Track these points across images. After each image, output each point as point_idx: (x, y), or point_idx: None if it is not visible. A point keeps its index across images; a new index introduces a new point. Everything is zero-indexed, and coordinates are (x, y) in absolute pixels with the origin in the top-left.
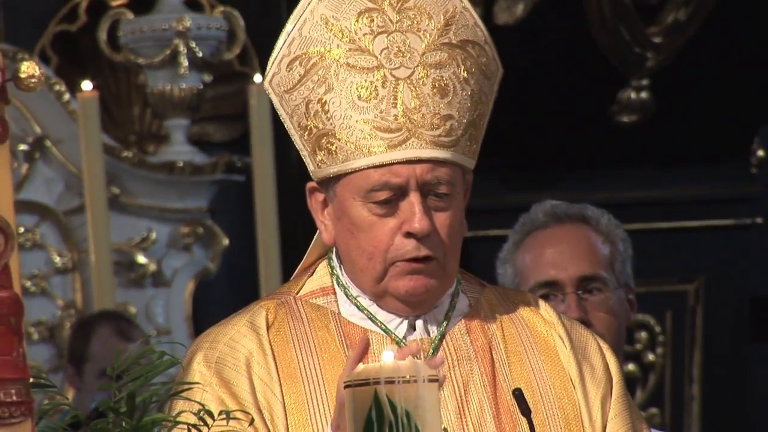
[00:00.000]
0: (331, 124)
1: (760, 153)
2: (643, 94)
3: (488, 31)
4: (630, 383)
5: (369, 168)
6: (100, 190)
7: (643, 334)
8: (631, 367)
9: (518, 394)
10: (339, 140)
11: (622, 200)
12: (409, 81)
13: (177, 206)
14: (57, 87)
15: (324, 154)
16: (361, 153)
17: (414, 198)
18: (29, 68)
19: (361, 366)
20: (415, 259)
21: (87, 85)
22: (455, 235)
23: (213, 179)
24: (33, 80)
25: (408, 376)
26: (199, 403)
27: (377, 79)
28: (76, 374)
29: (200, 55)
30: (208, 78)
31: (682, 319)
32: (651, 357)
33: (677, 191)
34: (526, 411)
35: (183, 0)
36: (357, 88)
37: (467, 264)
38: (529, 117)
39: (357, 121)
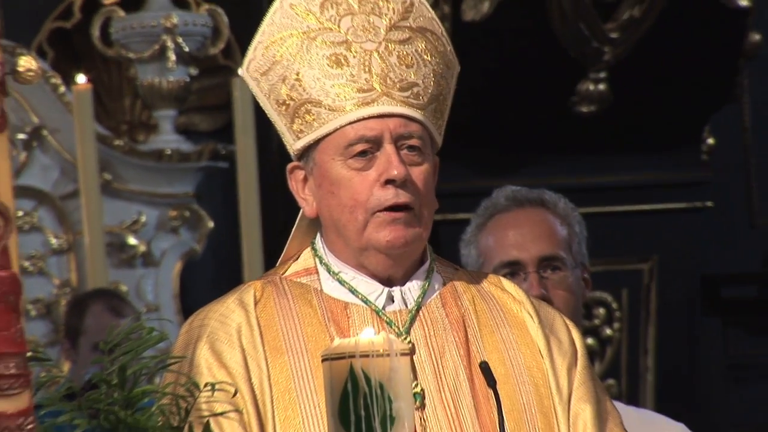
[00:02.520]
0: (307, 93)
1: (711, 141)
2: (601, 86)
3: (456, 27)
4: (589, 356)
5: (345, 126)
6: (93, 177)
7: (601, 310)
8: (590, 341)
9: (485, 367)
10: (315, 106)
11: (580, 185)
12: (377, 52)
13: (165, 191)
14: (53, 80)
15: (301, 123)
16: (336, 114)
17: (389, 149)
18: (27, 62)
19: (338, 341)
20: (394, 208)
21: (81, 78)
22: (429, 188)
23: (199, 166)
24: (30, 73)
25: (382, 351)
26: (186, 375)
27: (347, 51)
28: (72, 348)
29: (187, 50)
30: (194, 71)
31: (638, 296)
32: (608, 331)
33: (632, 177)
34: (491, 382)
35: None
36: (329, 59)
37: (436, 245)
38: (494, 107)
39: (332, 86)
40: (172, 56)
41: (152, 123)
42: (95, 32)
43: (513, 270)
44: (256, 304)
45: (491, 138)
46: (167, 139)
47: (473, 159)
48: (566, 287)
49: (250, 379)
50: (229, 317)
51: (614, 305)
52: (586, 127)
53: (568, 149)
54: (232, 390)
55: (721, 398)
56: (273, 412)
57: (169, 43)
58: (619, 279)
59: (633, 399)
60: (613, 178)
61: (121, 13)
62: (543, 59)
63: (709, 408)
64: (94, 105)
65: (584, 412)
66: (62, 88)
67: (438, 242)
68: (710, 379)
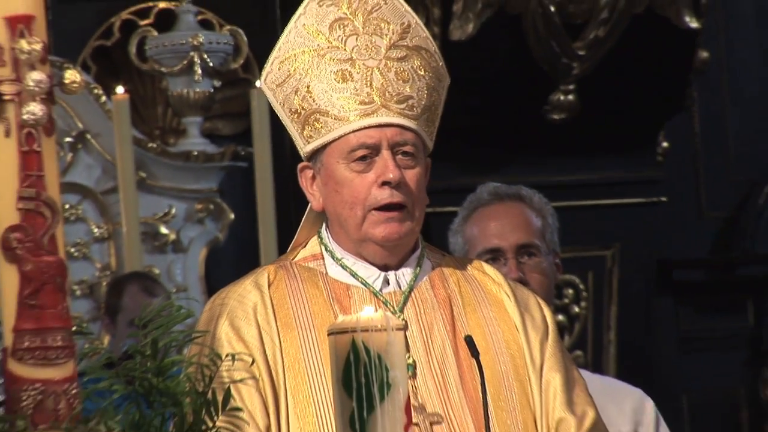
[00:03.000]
0: (316, 104)
1: (665, 144)
2: (570, 97)
3: (445, 45)
4: (559, 330)
5: (348, 134)
6: (130, 174)
7: (570, 291)
8: (560, 317)
9: (469, 340)
10: (323, 115)
11: (553, 182)
12: (377, 69)
13: (192, 187)
14: (95, 91)
15: (311, 130)
16: (341, 123)
17: (386, 155)
18: (72, 75)
19: (341, 317)
20: (388, 207)
21: (120, 90)
22: (421, 189)
23: (221, 165)
24: (75, 85)
25: (380, 326)
26: (209, 347)
27: (352, 67)
28: (111, 324)
29: (211, 64)
30: (217, 83)
31: (602, 279)
32: (576, 309)
33: (597, 175)
34: (475, 353)
35: (197, 20)
36: (335, 74)
37: (427, 234)
38: (478, 115)
39: (338, 98)
40: (199, 70)
41: (181, 128)
42: (132, 49)
43: (494, 256)
44: (269, 285)
45: (476, 141)
46: (194, 142)
47: (460, 159)
48: (540, 271)
49: (264, 351)
50: (246, 297)
51: (581, 287)
52: (557, 132)
53: (542, 151)
54: (250, 360)
55: (672, 367)
56: (284, 379)
57: (196, 59)
58: (585, 264)
59: (597, 368)
60: (580, 177)
61: (155, 33)
62: (520, 73)
63: (663, 375)
64: (130, 112)
65: (554, 380)
66: (103, 98)
67: (429, 232)
68: (663, 350)
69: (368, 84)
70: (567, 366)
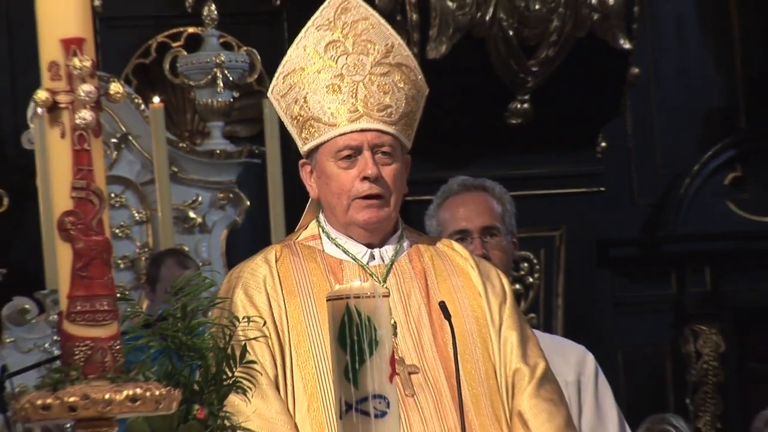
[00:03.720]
0: (311, 111)
1: (603, 144)
2: (525, 105)
3: (423, 63)
4: (516, 297)
5: (336, 137)
6: (164, 169)
7: (525, 265)
8: (517, 286)
9: (442, 305)
10: (317, 121)
11: (511, 175)
12: (362, 83)
13: (215, 179)
14: (136, 100)
15: (307, 133)
16: (331, 128)
17: (367, 155)
18: (116, 87)
19: (338, 286)
20: (368, 197)
21: (156, 99)
22: (396, 182)
23: (239, 162)
24: (118, 95)
25: (369, 293)
26: (228, 311)
27: (341, 82)
28: (151, 291)
29: (231, 79)
30: (236, 94)
31: (551, 255)
32: (530, 280)
33: (548, 169)
34: (447, 316)
35: (219, 42)
36: (327, 87)
37: (408, 218)
38: (450, 120)
39: (328, 107)
40: (221, 83)
41: (206, 131)
42: (166, 66)
43: (462, 236)
44: (276, 261)
45: (448, 141)
46: (217, 142)
47: (435, 156)
48: (501, 248)
49: (272, 314)
50: (257, 271)
51: (534, 261)
52: (515, 134)
53: (502, 150)
54: (261, 322)
55: (609, 327)
56: (289, 337)
57: (219, 74)
58: (538, 242)
59: (548, 328)
60: (533, 171)
61: (185, 53)
62: (484, 86)
63: (601, 334)
64: (164, 118)
65: (511, 337)
66: (142, 107)
67: (410, 216)
68: (602, 313)
69: (354, 96)
70: (522, 325)
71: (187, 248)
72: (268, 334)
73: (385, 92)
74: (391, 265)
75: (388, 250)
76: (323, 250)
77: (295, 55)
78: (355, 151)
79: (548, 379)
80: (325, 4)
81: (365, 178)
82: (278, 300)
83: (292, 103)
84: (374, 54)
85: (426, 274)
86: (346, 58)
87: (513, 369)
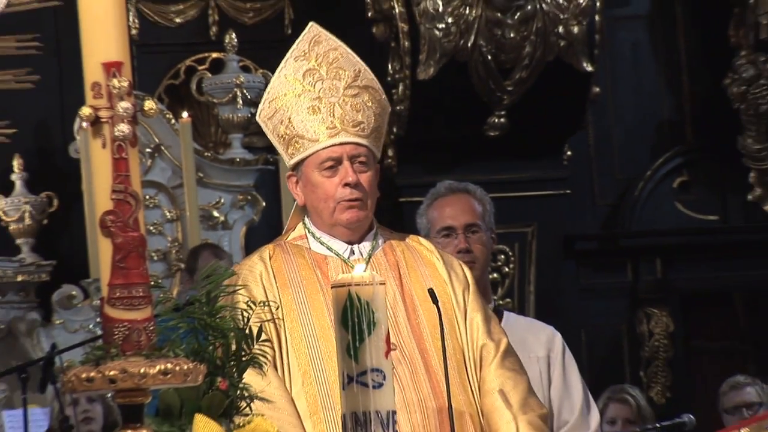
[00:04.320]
0: (296, 130)
1: (569, 153)
2: (502, 119)
3: (413, 83)
4: (494, 285)
5: (319, 150)
6: (191, 175)
7: (502, 257)
8: (495, 275)
9: (431, 291)
10: (301, 138)
11: (490, 180)
12: (337, 103)
13: (236, 184)
14: (167, 116)
15: (292, 149)
16: (314, 143)
17: (347, 164)
18: (150, 104)
19: (341, 276)
20: (350, 200)
21: (184, 115)
22: (371, 187)
23: (256, 168)
24: (152, 111)
25: (368, 282)
26: (247, 296)
27: (319, 103)
28: (190, 280)
29: (249, 97)
30: (253, 110)
31: (524, 248)
32: (506, 269)
33: (521, 174)
34: (435, 301)
35: (239, 65)
36: (308, 109)
37: (401, 217)
38: (438, 132)
39: (310, 126)
40: (240, 101)
41: (227, 142)
42: (193, 86)
43: (449, 232)
44: (270, 258)
45: (436, 150)
46: (237, 152)
47: (425, 163)
48: (481, 243)
49: (269, 301)
50: (254, 267)
51: (510, 253)
52: (492, 145)
53: (482, 158)
54: (275, 306)
55: (574, 310)
56: (284, 323)
57: (238, 93)
58: (513, 237)
59: (521, 311)
60: (509, 176)
61: (209, 75)
62: (466, 103)
63: (567, 316)
64: (191, 131)
65: (476, 317)
66: (173, 121)
67: (402, 215)
68: (568, 298)
69: (331, 114)
70: (484, 307)
71: (209, 242)
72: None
73: (357, 110)
74: (369, 259)
75: (365, 246)
76: (310, 248)
77: (277, 83)
78: (336, 162)
79: (510, 353)
80: (300, 38)
81: (346, 185)
82: (273, 291)
83: (278, 123)
84: (345, 78)
85: (399, 266)
86: (322, 83)
87: (480, 344)
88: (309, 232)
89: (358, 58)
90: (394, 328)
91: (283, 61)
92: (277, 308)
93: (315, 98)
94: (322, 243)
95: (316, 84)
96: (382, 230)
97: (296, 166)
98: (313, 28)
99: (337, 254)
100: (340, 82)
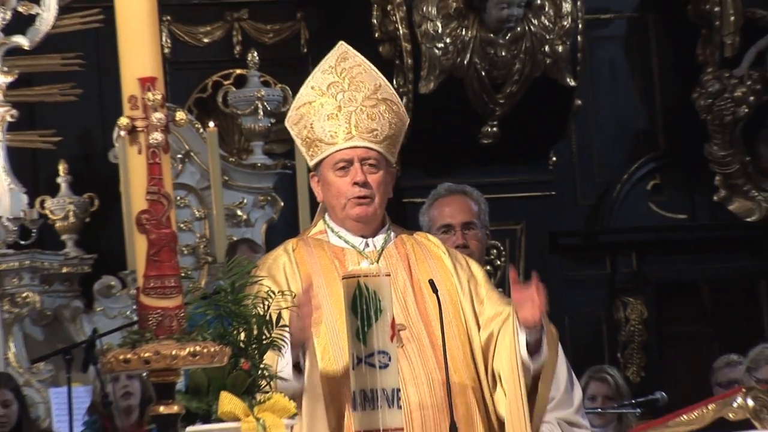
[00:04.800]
0: (316, 135)
1: (554, 158)
2: (494, 129)
3: (416, 96)
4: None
5: (334, 152)
6: (218, 178)
7: (494, 251)
8: (488, 268)
9: (431, 282)
10: (320, 142)
11: (484, 183)
12: (354, 112)
13: (257, 186)
14: (196, 125)
15: (312, 151)
16: (331, 146)
17: (357, 165)
18: (180, 115)
19: (351, 268)
20: (359, 197)
21: (211, 125)
22: (381, 187)
23: (275, 172)
24: (182, 121)
25: (375, 273)
26: (271, 284)
27: (338, 111)
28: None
29: (269, 108)
30: (272, 120)
31: (514, 243)
32: (498, 262)
33: (512, 178)
34: (435, 290)
35: (260, 80)
36: (327, 116)
37: (405, 215)
38: (438, 140)
39: (328, 131)
40: (261, 112)
41: (250, 149)
42: (219, 99)
43: (447, 229)
44: (293, 251)
45: (436, 156)
46: (258, 157)
47: (427, 167)
48: (477, 239)
49: (291, 289)
50: (278, 259)
51: (502, 248)
52: (486, 151)
53: (477, 163)
54: (291, 295)
55: (559, 298)
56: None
57: (259, 105)
58: (504, 234)
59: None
60: (501, 179)
61: (233, 89)
62: (463, 114)
63: (552, 304)
64: (218, 139)
65: (493, 296)
66: (201, 130)
67: (406, 213)
68: (553, 288)
69: (348, 122)
70: (501, 294)
71: (235, 239)
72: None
73: (372, 119)
74: (382, 251)
75: (378, 239)
76: (329, 241)
77: (305, 92)
78: (348, 163)
79: None
80: (329, 54)
81: (356, 183)
82: (295, 279)
83: (302, 128)
84: (364, 91)
85: (409, 258)
86: (343, 94)
87: (500, 310)
88: (328, 227)
89: (380, 75)
90: (404, 311)
91: (312, 74)
92: (294, 297)
93: (335, 107)
94: (339, 237)
95: (338, 95)
96: (394, 227)
97: (316, 167)
98: (342, 47)
99: (354, 247)
100: (359, 94)
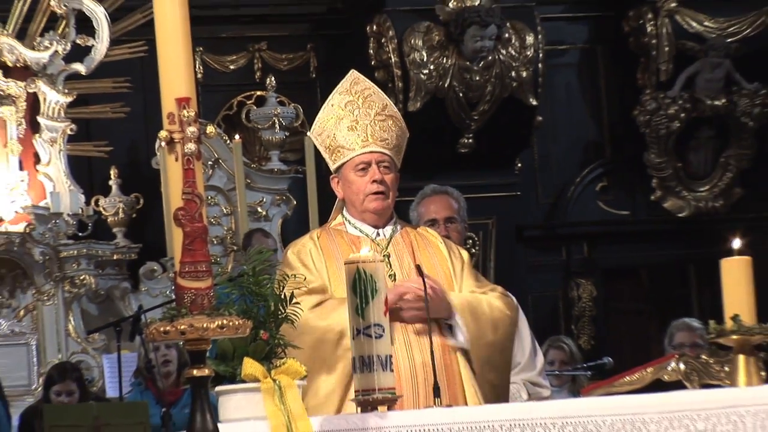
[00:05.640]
0: (338, 143)
1: (519, 165)
2: (470, 140)
3: (405, 113)
4: None
5: (354, 156)
6: (241, 181)
7: (470, 241)
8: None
9: (418, 267)
10: (341, 149)
11: (462, 184)
12: (369, 125)
13: (274, 188)
14: (223, 137)
15: (335, 156)
16: (351, 151)
17: (374, 167)
18: (210, 129)
19: (351, 255)
20: (376, 193)
21: (236, 137)
22: (392, 186)
23: (289, 176)
24: (212, 134)
25: (371, 259)
26: (300, 263)
27: (356, 124)
28: (245, 254)
29: (284, 123)
30: (287, 133)
31: (487, 235)
32: (473, 251)
33: (484, 181)
34: (420, 274)
35: (277, 100)
36: (347, 128)
37: (397, 211)
38: (424, 149)
39: (348, 140)
40: (277, 126)
41: (268, 157)
42: (243, 116)
43: (433, 223)
44: (318, 238)
45: (423, 162)
46: (275, 164)
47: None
48: (457, 231)
49: (316, 269)
50: (306, 245)
51: (476, 239)
52: (464, 159)
53: (457, 168)
54: (303, 278)
55: (523, 281)
56: (329, 282)
57: (276, 121)
58: (478, 227)
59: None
60: (476, 181)
61: (255, 107)
62: (444, 127)
63: (518, 285)
64: (241, 148)
65: (469, 283)
66: (228, 141)
67: (398, 210)
68: (519, 272)
69: (365, 132)
70: (476, 275)
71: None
72: (317, 282)
73: (384, 131)
74: (390, 239)
75: (387, 230)
76: (347, 231)
77: (327, 110)
78: (367, 165)
79: (504, 293)
80: (344, 80)
81: (374, 181)
82: (320, 261)
83: (325, 138)
84: (375, 108)
85: (412, 245)
86: (359, 110)
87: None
88: (346, 219)
89: (386, 96)
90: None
91: (331, 95)
92: (305, 279)
93: (353, 120)
94: (355, 227)
95: (354, 111)
96: (400, 221)
97: (337, 170)
98: (353, 73)
99: (367, 235)
100: (372, 110)
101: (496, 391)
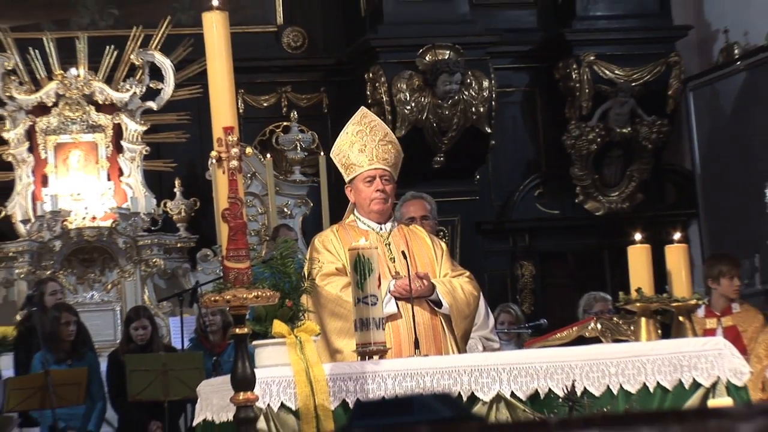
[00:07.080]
0: (350, 161)
1: (478, 177)
2: (441, 158)
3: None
4: None
5: (363, 172)
6: (272, 188)
7: (441, 234)
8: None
9: (403, 253)
10: (353, 165)
11: (435, 192)
12: (375, 148)
13: (296, 194)
14: (259, 157)
15: (348, 171)
16: (360, 168)
17: (378, 180)
18: (249, 150)
19: (353, 243)
20: (379, 199)
21: (268, 156)
22: (391, 193)
23: (308, 185)
24: (250, 154)
25: (368, 247)
26: (323, 248)
27: (364, 147)
28: (273, 243)
29: (303, 146)
30: (306, 153)
31: (454, 229)
32: (444, 242)
33: (452, 188)
34: (405, 257)
35: (298, 129)
36: (358, 150)
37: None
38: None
39: (359, 159)
40: (299, 148)
41: (292, 171)
42: (273, 140)
43: (411, 221)
44: (337, 231)
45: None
46: (297, 176)
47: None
48: (430, 227)
49: (337, 254)
50: (328, 236)
51: (446, 232)
52: (436, 172)
53: (430, 179)
54: (324, 260)
55: (481, 263)
56: (346, 263)
57: (298, 145)
58: (447, 223)
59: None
60: (446, 189)
61: (282, 134)
62: (421, 149)
63: (478, 267)
64: (272, 165)
65: (445, 269)
66: (262, 159)
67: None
68: (478, 257)
69: (371, 154)
70: (452, 262)
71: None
72: (339, 265)
73: (385, 152)
74: (390, 232)
75: (388, 225)
76: (358, 226)
77: (343, 137)
78: (372, 178)
79: (470, 278)
80: (356, 114)
81: (378, 191)
82: (339, 247)
83: (342, 157)
84: (379, 135)
85: (406, 237)
86: (367, 137)
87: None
88: (357, 218)
89: (386, 126)
90: (402, 268)
91: (346, 126)
92: (320, 263)
93: (362, 144)
94: (364, 223)
95: (363, 137)
96: (397, 220)
97: (350, 181)
98: (363, 109)
99: (373, 229)
100: (376, 137)
101: (465, 338)
